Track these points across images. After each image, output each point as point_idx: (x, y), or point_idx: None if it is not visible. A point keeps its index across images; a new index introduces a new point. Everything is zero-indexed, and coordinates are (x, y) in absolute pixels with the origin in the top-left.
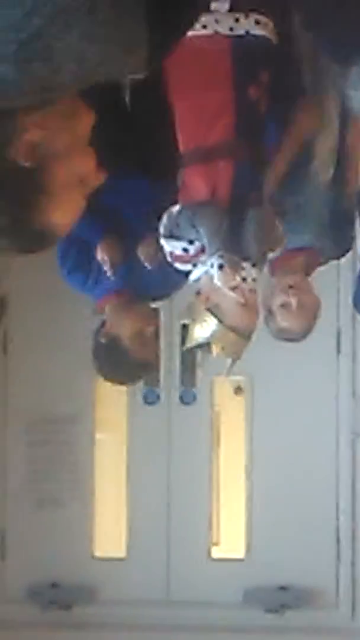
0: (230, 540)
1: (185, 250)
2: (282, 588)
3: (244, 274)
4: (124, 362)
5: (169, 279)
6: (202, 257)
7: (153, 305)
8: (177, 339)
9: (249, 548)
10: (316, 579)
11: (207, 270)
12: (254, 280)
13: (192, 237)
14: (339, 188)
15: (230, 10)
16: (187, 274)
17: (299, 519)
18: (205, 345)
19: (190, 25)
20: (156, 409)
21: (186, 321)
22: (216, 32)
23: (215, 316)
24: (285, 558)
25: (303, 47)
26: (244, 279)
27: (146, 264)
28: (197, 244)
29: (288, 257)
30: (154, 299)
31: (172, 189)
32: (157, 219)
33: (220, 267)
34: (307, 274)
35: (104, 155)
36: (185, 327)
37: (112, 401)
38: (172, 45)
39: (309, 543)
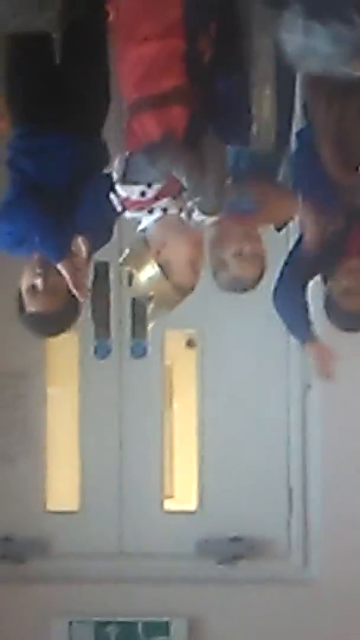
0: (183, 493)
1: (142, 194)
2: (235, 539)
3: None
4: (26, 317)
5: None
6: (161, 202)
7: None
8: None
9: (201, 500)
10: (268, 530)
11: (159, 218)
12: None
13: (150, 179)
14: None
15: None
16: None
17: (251, 470)
18: (147, 297)
19: None
20: (108, 363)
21: (130, 269)
22: None
23: (164, 272)
24: (238, 510)
25: None
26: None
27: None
28: (155, 186)
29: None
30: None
31: (100, 145)
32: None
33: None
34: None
35: (26, 108)
36: (130, 275)
37: (64, 355)
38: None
39: (261, 494)
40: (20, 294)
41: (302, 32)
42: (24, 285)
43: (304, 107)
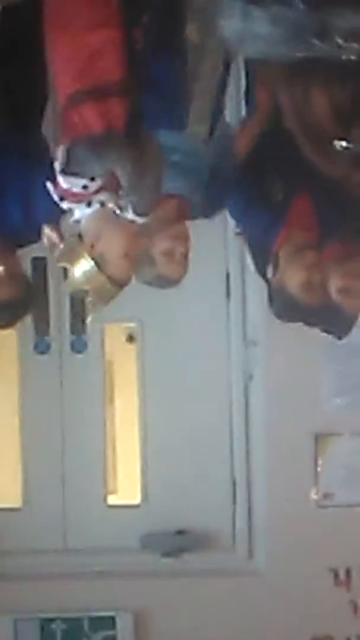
0: (126, 488)
1: (84, 187)
2: (179, 532)
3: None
4: None
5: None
6: (100, 195)
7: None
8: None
9: (145, 494)
10: (213, 523)
11: (95, 210)
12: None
13: (94, 172)
14: (219, 146)
15: None
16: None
17: (194, 464)
18: (83, 291)
19: None
20: (47, 358)
21: (64, 264)
22: None
23: (98, 266)
24: (182, 503)
25: None
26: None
27: None
28: (98, 180)
29: (162, 202)
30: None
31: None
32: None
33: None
34: (179, 221)
35: None
36: (65, 270)
37: (4, 352)
38: None
39: (205, 488)
40: None
41: (240, 17)
42: None
43: (247, 94)
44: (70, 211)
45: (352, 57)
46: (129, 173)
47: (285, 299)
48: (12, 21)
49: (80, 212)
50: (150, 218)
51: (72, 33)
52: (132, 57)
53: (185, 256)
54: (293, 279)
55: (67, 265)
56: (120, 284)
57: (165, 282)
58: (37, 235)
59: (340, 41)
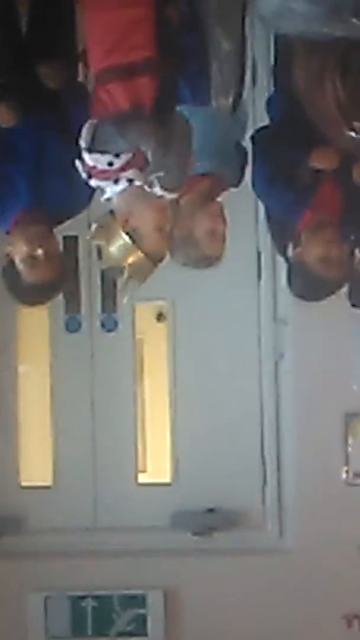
0: (156, 466)
1: (110, 164)
2: (210, 511)
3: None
4: (20, 286)
5: (76, 197)
6: (127, 173)
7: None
8: (97, 265)
9: (175, 473)
10: (243, 501)
11: (124, 188)
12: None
13: (118, 149)
14: (239, 117)
15: None
16: (91, 194)
17: (224, 442)
18: (119, 268)
19: None
20: (78, 337)
21: (100, 242)
22: None
23: (133, 240)
24: (212, 481)
25: None
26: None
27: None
28: (123, 156)
29: (192, 183)
30: (60, 220)
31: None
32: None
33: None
34: (212, 199)
35: None
36: (99, 249)
37: (35, 331)
38: None
39: (235, 466)
40: (8, 267)
41: None
42: (19, 255)
43: (275, 72)
44: (100, 189)
45: None
46: (155, 149)
47: (305, 274)
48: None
49: (110, 189)
50: (186, 199)
51: (105, 9)
52: (165, 35)
53: (224, 234)
54: (312, 253)
55: (103, 243)
56: (155, 259)
57: (208, 262)
58: (79, 210)
59: None
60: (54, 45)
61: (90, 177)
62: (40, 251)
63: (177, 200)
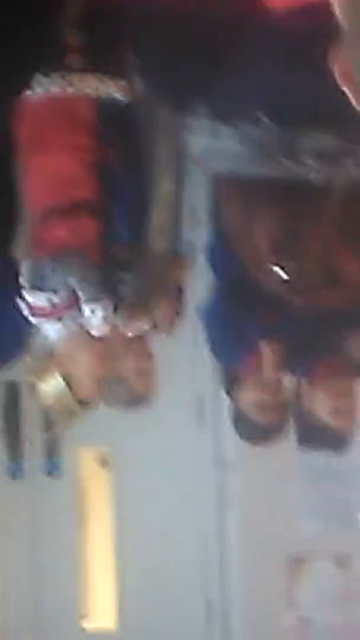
0: (101, 613)
1: (50, 301)
2: None
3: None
4: None
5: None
6: (70, 311)
7: None
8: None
9: (120, 619)
10: None
11: (68, 328)
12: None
13: (58, 287)
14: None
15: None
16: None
17: (169, 588)
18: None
19: (22, 88)
20: (21, 483)
21: (32, 380)
22: (84, 93)
23: (68, 385)
24: (157, 627)
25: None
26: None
27: None
28: (62, 293)
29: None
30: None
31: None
32: None
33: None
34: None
35: None
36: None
37: None
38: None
39: (180, 613)
40: None
41: (208, 134)
42: None
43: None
44: (40, 326)
45: (319, 178)
46: (96, 284)
47: (245, 420)
48: None
49: (51, 328)
50: (118, 340)
51: (45, 153)
52: (106, 178)
53: (152, 372)
54: (247, 398)
55: (35, 381)
56: (86, 405)
57: (137, 403)
58: (6, 358)
59: (309, 161)
60: None
61: (33, 315)
62: None
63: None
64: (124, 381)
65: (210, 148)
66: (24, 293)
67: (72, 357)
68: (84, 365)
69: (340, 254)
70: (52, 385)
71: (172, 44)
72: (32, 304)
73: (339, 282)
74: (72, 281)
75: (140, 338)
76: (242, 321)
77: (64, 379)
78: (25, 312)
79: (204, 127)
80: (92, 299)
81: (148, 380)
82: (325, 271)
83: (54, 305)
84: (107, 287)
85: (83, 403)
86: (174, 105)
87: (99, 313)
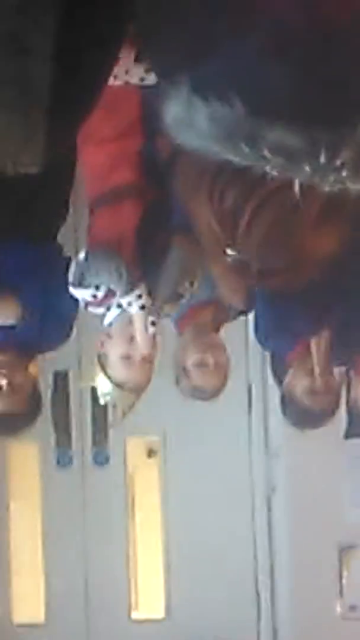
0: (149, 602)
1: (93, 296)
2: None
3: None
4: None
5: (49, 332)
6: (112, 300)
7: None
8: (88, 399)
9: (168, 608)
10: (237, 637)
11: (120, 313)
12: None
13: (97, 282)
14: None
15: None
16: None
17: (218, 576)
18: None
19: (89, 110)
20: (69, 472)
21: (90, 384)
22: (127, 83)
23: (101, 365)
24: (206, 617)
25: None
26: (152, 323)
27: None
28: (103, 288)
29: (193, 313)
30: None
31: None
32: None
33: (142, 307)
34: (216, 329)
35: None
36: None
37: (25, 467)
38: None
39: (229, 601)
40: None
41: (184, 104)
42: None
43: None
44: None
45: (275, 172)
46: (125, 280)
47: (295, 405)
48: None
49: (109, 315)
50: (188, 330)
51: (94, 143)
52: (152, 164)
53: (219, 366)
54: (298, 385)
55: (93, 384)
56: (123, 387)
57: (203, 393)
58: (54, 346)
59: (266, 152)
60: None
61: (86, 306)
62: (4, 381)
63: (181, 332)
64: (186, 374)
65: (181, 118)
66: (70, 289)
67: (109, 338)
68: (112, 345)
69: (299, 235)
70: (106, 385)
71: (169, 9)
72: (81, 298)
73: (305, 263)
74: (103, 279)
75: (209, 330)
76: (291, 308)
77: (98, 359)
78: (81, 302)
79: (180, 96)
80: (126, 293)
81: (210, 375)
82: (287, 255)
83: (99, 298)
84: (142, 279)
85: (118, 385)
86: (160, 71)
87: (135, 304)
